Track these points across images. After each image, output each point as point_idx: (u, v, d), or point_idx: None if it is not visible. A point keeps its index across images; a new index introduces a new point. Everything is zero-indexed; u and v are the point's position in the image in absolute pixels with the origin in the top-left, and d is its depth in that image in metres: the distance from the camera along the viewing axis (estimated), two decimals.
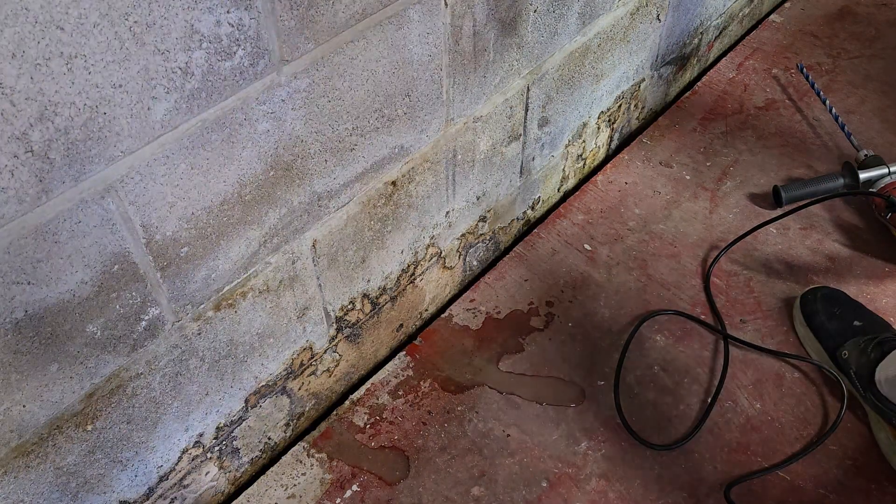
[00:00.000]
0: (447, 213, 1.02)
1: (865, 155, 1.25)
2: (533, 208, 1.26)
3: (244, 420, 0.89)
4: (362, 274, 0.93)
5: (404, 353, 1.08)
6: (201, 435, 0.84)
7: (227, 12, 0.58)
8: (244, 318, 0.79)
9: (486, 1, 0.84)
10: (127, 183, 0.59)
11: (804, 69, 1.47)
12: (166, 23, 0.54)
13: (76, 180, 0.55)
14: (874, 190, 1.20)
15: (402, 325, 1.09)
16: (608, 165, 1.36)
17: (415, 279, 1.05)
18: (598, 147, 1.35)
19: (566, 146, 1.23)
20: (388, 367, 1.06)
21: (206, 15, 0.57)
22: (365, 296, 0.97)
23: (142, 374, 0.71)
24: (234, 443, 0.90)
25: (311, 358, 0.94)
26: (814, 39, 1.63)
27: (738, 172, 1.33)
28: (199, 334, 0.75)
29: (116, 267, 0.62)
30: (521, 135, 1.08)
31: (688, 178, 1.33)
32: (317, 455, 0.97)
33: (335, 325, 0.94)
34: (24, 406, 0.62)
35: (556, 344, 1.08)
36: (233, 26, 0.59)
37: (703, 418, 0.98)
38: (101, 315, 0.63)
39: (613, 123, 1.35)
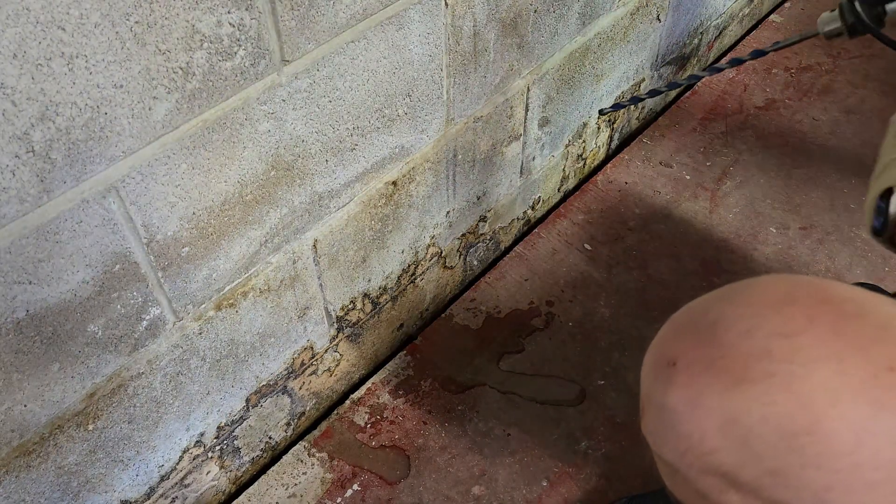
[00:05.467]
0: (448, 212, 1.03)
1: None
2: (533, 208, 1.26)
3: (245, 419, 0.89)
4: (363, 273, 0.93)
5: (405, 352, 1.08)
6: (202, 434, 0.84)
7: (228, 12, 0.58)
8: (245, 317, 0.79)
9: (486, 1, 0.84)
10: (128, 183, 0.59)
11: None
12: (167, 23, 0.54)
13: (77, 180, 0.55)
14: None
15: (402, 325, 1.09)
16: (608, 165, 1.37)
17: (415, 279, 1.05)
18: (599, 147, 1.35)
19: (566, 146, 1.23)
20: (389, 366, 1.06)
21: (207, 15, 0.57)
22: (365, 295, 0.97)
23: (143, 373, 0.71)
24: (235, 442, 0.90)
25: (312, 357, 0.94)
26: (814, 39, 1.62)
27: (738, 172, 1.33)
28: (200, 334, 0.75)
29: (118, 267, 0.62)
30: (521, 135, 1.08)
31: (688, 178, 1.33)
32: (318, 454, 0.97)
33: (336, 325, 0.95)
34: (25, 405, 0.62)
35: (557, 343, 1.08)
36: (234, 26, 0.59)
37: None
38: (102, 315, 0.64)
39: (613, 123, 1.35)
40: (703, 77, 1.01)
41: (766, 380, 0.47)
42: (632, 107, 1.37)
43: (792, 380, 0.46)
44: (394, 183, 0.89)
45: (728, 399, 0.48)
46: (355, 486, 0.94)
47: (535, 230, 1.25)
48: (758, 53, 0.96)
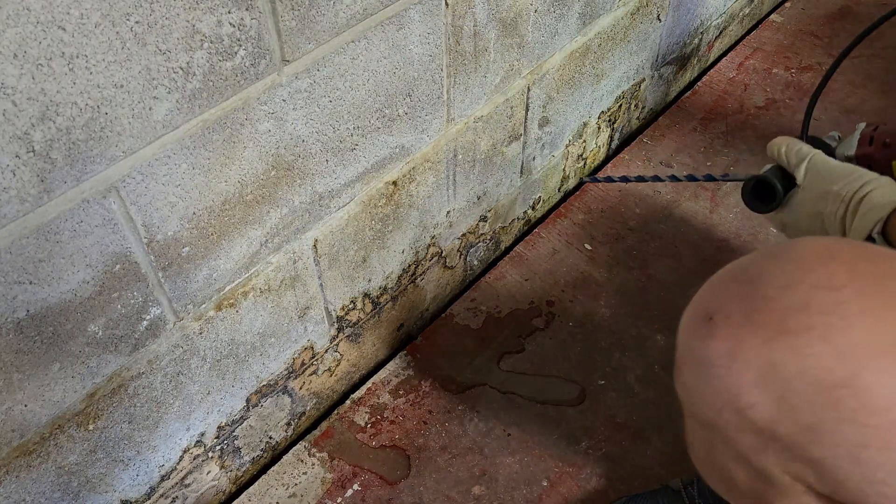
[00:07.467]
0: (448, 212, 1.02)
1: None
2: (533, 208, 1.26)
3: (245, 419, 0.89)
4: (363, 273, 0.93)
5: (405, 352, 1.08)
6: (203, 434, 0.84)
7: (229, 12, 0.58)
8: (245, 317, 0.79)
9: (486, 1, 0.84)
10: (129, 183, 0.59)
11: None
12: (168, 23, 0.54)
13: (78, 180, 0.55)
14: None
15: (402, 325, 1.09)
16: (608, 165, 1.37)
17: (416, 279, 1.05)
18: (599, 147, 1.35)
19: (567, 146, 1.23)
20: (389, 366, 1.06)
21: (208, 15, 0.57)
22: (366, 295, 0.97)
23: (143, 373, 0.71)
24: (236, 442, 0.90)
25: (313, 357, 0.94)
26: (814, 39, 1.63)
27: (738, 172, 1.33)
28: (201, 334, 0.75)
29: (118, 267, 0.62)
30: (521, 134, 1.08)
31: None
32: (318, 454, 0.97)
33: (336, 325, 0.95)
34: (25, 405, 0.62)
35: (557, 343, 1.08)
36: (234, 26, 0.59)
37: None
38: (102, 315, 0.64)
39: (614, 123, 1.35)
40: (663, 180, 1.15)
41: (805, 332, 0.46)
42: (632, 107, 1.37)
43: (830, 332, 0.45)
44: (394, 183, 0.89)
45: (766, 351, 0.47)
46: (355, 486, 0.94)
47: (536, 230, 1.25)
48: (709, 178, 1.13)
